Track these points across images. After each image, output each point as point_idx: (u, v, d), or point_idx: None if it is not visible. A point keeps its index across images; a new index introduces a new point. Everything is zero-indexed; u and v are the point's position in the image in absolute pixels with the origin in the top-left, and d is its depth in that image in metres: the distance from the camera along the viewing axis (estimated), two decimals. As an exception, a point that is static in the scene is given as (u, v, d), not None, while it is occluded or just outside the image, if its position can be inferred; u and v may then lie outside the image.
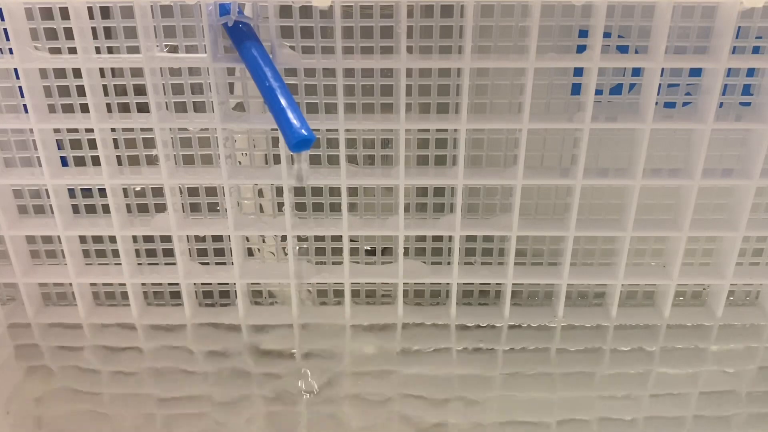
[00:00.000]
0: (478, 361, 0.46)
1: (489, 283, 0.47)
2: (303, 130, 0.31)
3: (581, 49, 0.38)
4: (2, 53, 0.39)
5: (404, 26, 0.36)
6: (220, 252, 0.46)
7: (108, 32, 0.40)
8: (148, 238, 0.45)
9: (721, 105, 0.39)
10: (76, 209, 0.44)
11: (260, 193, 0.45)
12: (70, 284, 0.45)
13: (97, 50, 0.39)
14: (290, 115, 0.32)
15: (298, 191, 0.44)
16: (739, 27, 0.38)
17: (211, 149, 0.43)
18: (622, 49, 0.39)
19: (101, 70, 0.40)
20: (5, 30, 0.37)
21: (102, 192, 0.43)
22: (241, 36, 0.35)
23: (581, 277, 0.44)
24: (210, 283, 0.47)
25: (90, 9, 0.38)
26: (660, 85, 0.38)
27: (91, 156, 0.42)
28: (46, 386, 0.48)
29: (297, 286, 0.45)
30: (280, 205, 0.43)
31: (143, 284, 0.46)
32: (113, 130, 0.42)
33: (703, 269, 0.45)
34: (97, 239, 0.46)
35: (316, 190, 0.44)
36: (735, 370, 0.46)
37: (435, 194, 0.44)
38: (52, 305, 0.48)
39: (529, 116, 0.38)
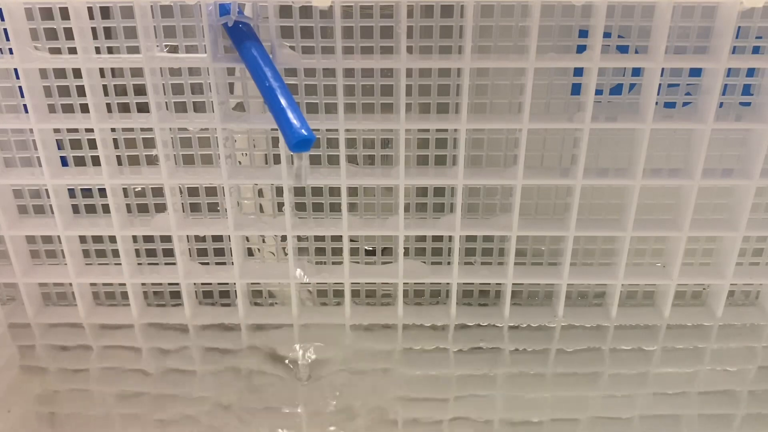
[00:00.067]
0: (477, 361, 0.46)
1: (489, 283, 0.47)
2: (303, 130, 0.31)
3: (581, 49, 0.38)
4: (2, 53, 0.39)
5: (404, 26, 0.36)
6: (220, 252, 0.46)
7: (108, 32, 0.40)
8: (148, 238, 0.45)
9: (721, 105, 0.39)
10: (76, 209, 0.44)
11: (260, 193, 0.45)
12: (70, 284, 0.45)
13: (97, 50, 0.39)
14: (290, 115, 0.32)
15: (298, 191, 0.44)
16: (739, 27, 0.38)
17: (211, 149, 0.43)
18: (622, 49, 0.39)
19: (101, 70, 0.40)
20: (5, 30, 0.37)
21: (102, 192, 0.43)
22: (241, 36, 0.35)
23: (581, 277, 0.44)
24: (210, 283, 0.47)
25: (90, 9, 0.38)
26: (660, 85, 0.38)
27: (91, 156, 0.42)
28: (45, 386, 0.48)
29: (297, 286, 0.45)
30: (280, 205, 0.43)
31: (143, 284, 0.46)
32: (113, 130, 0.42)
33: (703, 269, 0.45)
34: (97, 239, 0.46)
35: (316, 190, 0.44)
36: (735, 370, 0.46)
37: (435, 194, 0.44)
38: (52, 305, 0.48)
39: (529, 116, 0.38)
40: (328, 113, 0.40)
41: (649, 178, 0.40)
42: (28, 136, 0.42)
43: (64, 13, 0.38)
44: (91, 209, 0.45)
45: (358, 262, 0.46)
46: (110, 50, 0.40)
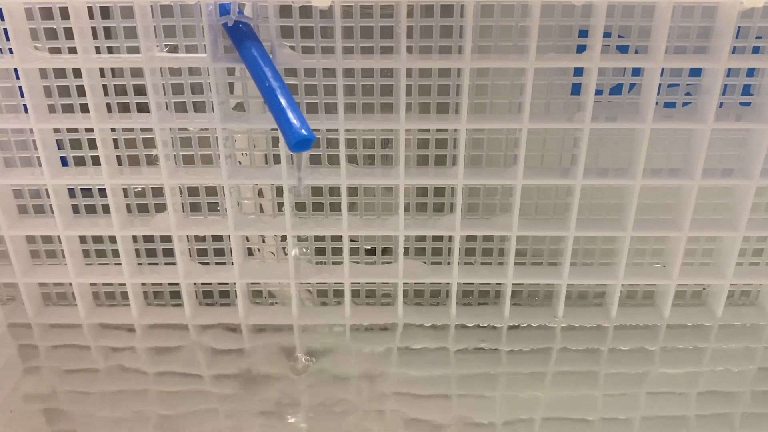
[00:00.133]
0: (478, 361, 0.46)
1: (489, 283, 0.47)
2: (303, 130, 0.31)
3: (581, 49, 0.38)
4: (2, 53, 0.39)
5: (404, 26, 0.36)
6: (220, 252, 0.46)
7: (108, 32, 0.40)
8: (148, 238, 0.45)
9: (721, 105, 0.39)
10: (76, 209, 0.44)
11: (260, 193, 0.45)
12: (70, 284, 0.45)
13: (97, 50, 0.39)
14: (290, 115, 0.32)
15: (298, 191, 0.44)
16: (739, 27, 0.38)
17: (211, 149, 0.43)
18: (622, 49, 0.39)
19: (101, 70, 0.40)
20: (5, 30, 0.37)
21: (102, 192, 0.43)
22: (241, 36, 0.35)
23: (581, 277, 0.44)
24: (210, 283, 0.47)
25: (90, 9, 0.38)
26: (660, 85, 0.38)
27: (91, 156, 0.42)
28: (46, 386, 0.48)
29: (297, 286, 0.45)
30: (280, 205, 0.43)
31: (143, 284, 0.46)
32: (113, 130, 0.42)
33: (703, 269, 0.45)
34: (97, 239, 0.46)
35: (316, 190, 0.44)
36: (735, 370, 0.46)
37: (435, 194, 0.44)
38: (52, 305, 0.48)
39: (529, 116, 0.38)
40: (328, 113, 0.40)
41: (649, 178, 0.40)
42: (28, 136, 0.42)
43: (64, 13, 0.38)
44: (91, 209, 0.45)
45: (358, 262, 0.46)
46: (110, 50, 0.40)
